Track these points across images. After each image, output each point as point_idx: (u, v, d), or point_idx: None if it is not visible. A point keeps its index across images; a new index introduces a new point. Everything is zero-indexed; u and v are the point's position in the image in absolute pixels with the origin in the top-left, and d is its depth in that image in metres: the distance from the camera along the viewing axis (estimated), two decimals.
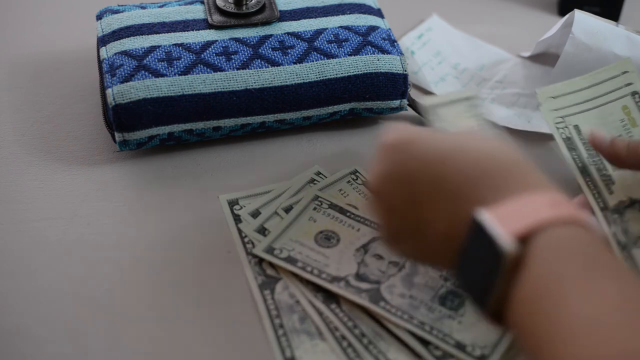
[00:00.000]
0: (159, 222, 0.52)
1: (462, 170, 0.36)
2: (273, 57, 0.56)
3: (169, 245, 0.50)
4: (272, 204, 0.52)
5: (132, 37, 0.56)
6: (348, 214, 0.51)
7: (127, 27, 0.57)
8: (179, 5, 0.60)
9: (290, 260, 0.48)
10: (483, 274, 0.34)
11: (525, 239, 0.33)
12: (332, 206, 0.52)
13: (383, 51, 0.58)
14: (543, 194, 0.34)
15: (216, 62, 0.55)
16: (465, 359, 0.43)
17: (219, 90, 0.54)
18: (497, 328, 0.35)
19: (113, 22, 0.57)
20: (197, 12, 0.59)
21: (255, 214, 0.51)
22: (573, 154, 0.53)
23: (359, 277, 0.47)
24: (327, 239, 0.49)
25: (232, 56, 0.55)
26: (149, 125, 0.53)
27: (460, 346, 0.43)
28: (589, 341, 0.29)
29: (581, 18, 0.62)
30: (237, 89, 0.54)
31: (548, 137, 0.62)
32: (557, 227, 0.33)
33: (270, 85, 0.55)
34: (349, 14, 0.60)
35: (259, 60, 0.55)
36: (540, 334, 0.31)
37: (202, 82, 0.54)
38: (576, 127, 0.54)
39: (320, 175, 0.55)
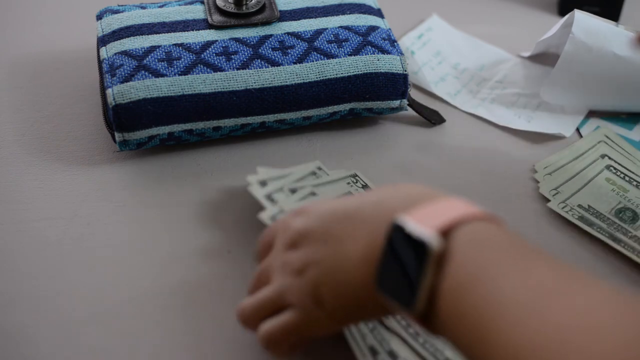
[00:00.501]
0: (159, 222, 0.52)
1: (369, 202, 0.39)
2: (273, 57, 0.56)
3: (169, 245, 0.50)
4: (280, 181, 0.51)
5: (132, 37, 0.56)
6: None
7: (127, 27, 0.57)
8: (179, 5, 0.60)
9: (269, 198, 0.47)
10: (408, 275, 0.34)
11: (445, 234, 0.34)
12: (366, 187, 0.51)
13: (383, 51, 0.58)
14: (456, 199, 0.36)
15: (216, 62, 0.55)
16: None
17: (219, 90, 0.54)
18: (429, 332, 0.35)
19: (113, 22, 0.57)
20: (197, 12, 0.59)
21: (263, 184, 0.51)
22: (595, 228, 0.53)
23: None
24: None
25: (232, 56, 0.55)
26: (149, 125, 0.53)
27: None
28: (527, 328, 0.29)
29: (581, 18, 0.62)
30: (237, 89, 0.54)
31: (548, 137, 0.62)
32: (475, 222, 0.34)
33: (270, 85, 0.55)
34: (349, 14, 0.60)
35: (259, 60, 0.55)
36: (471, 323, 0.31)
37: (202, 82, 0.54)
38: (580, 205, 0.55)
39: (322, 170, 0.54)
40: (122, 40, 0.56)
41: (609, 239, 0.52)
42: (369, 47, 0.58)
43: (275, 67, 0.55)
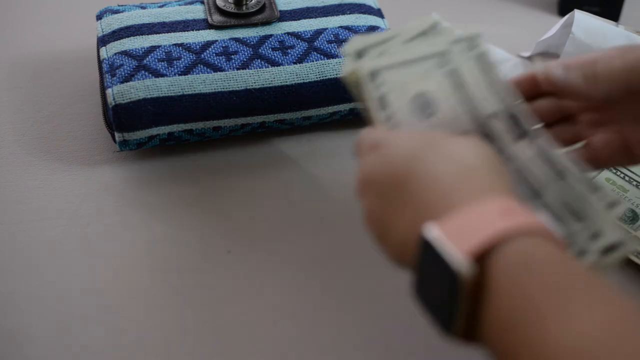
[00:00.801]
0: (159, 222, 0.52)
1: (418, 177, 0.35)
2: (273, 57, 0.56)
3: (169, 246, 0.50)
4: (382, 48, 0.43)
5: (132, 37, 0.56)
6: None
7: (127, 27, 0.57)
8: (179, 5, 0.60)
9: (381, 101, 0.41)
10: (442, 298, 0.31)
11: (482, 256, 0.30)
12: (479, 58, 0.43)
13: None
14: (492, 201, 0.32)
15: (216, 62, 0.55)
16: None
17: (219, 90, 0.54)
18: (470, 347, 0.32)
19: (113, 22, 0.57)
20: (197, 12, 0.59)
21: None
22: None
23: None
24: (425, 106, 0.41)
25: (232, 56, 0.55)
26: (149, 125, 0.53)
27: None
28: None
29: (581, 18, 0.62)
30: (237, 89, 0.54)
31: None
32: (516, 240, 0.30)
33: (271, 85, 0.55)
34: (349, 14, 0.60)
35: (259, 60, 0.55)
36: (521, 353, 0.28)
37: (202, 82, 0.54)
38: None
39: (435, 29, 0.46)
40: (122, 40, 0.56)
41: None
42: None
43: (276, 67, 0.55)
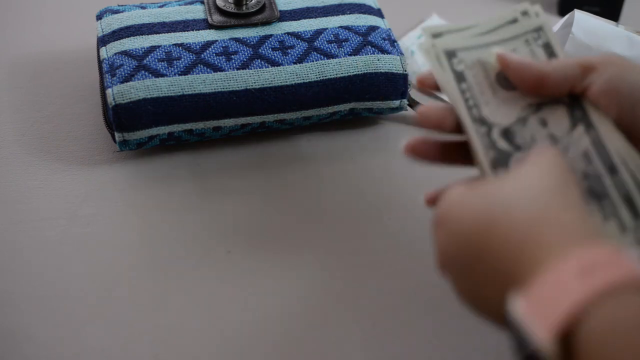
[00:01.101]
0: (159, 222, 0.52)
1: (491, 248, 0.33)
2: (273, 57, 0.56)
3: (169, 245, 0.50)
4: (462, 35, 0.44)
5: (132, 37, 0.56)
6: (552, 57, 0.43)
7: (127, 27, 0.56)
8: (179, 5, 0.60)
9: (459, 76, 0.42)
10: None
11: (569, 329, 0.28)
12: (546, 46, 0.43)
13: (383, 51, 0.58)
14: (571, 257, 0.29)
15: (216, 62, 0.55)
16: None
17: (219, 90, 0.54)
18: None
19: (113, 22, 0.57)
20: (197, 12, 0.59)
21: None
22: None
23: (505, 132, 0.40)
24: (507, 80, 0.42)
25: (232, 56, 0.55)
26: (149, 125, 0.53)
27: None
28: None
29: (581, 18, 0.62)
30: (237, 89, 0.54)
31: None
32: (602, 304, 0.27)
33: (270, 85, 0.55)
34: (349, 14, 0.60)
35: (258, 60, 0.55)
36: None
37: (202, 82, 0.54)
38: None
39: (526, 16, 0.44)
40: (122, 41, 0.55)
41: None
42: (369, 47, 0.58)
43: (275, 67, 0.55)
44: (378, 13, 0.62)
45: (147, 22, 0.57)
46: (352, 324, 0.46)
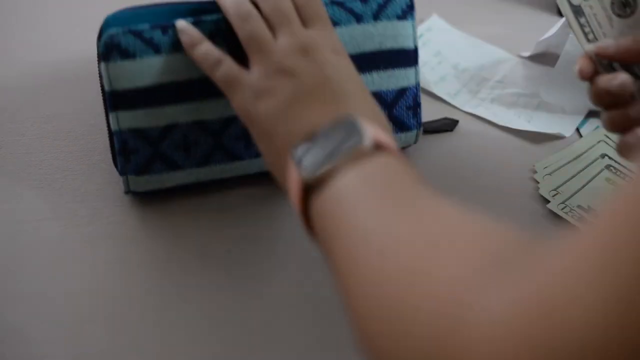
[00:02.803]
0: (158, 222, 0.52)
1: (340, 83, 0.43)
2: None
3: (169, 245, 0.50)
4: None
5: (147, 110, 0.49)
6: None
7: (140, 91, 0.49)
8: None
9: (577, 11, 0.47)
10: (327, 152, 0.37)
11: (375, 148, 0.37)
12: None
13: (403, 128, 0.56)
14: (373, 120, 0.40)
15: (235, 149, 0.52)
16: None
17: (235, 175, 0.54)
18: (303, 223, 0.38)
19: (123, 76, 0.49)
20: None
21: None
22: None
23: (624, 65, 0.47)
24: (623, 5, 0.47)
25: (252, 139, 0.51)
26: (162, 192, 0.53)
27: None
28: (367, 252, 0.32)
29: None
30: (252, 172, 0.54)
31: (548, 137, 0.62)
32: (392, 155, 0.37)
33: None
34: (383, 69, 0.54)
35: None
36: (331, 247, 0.34)
37: (220, 172, 0.53)
38: (579, 206, 0.55)
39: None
40: (135, 112, 0.49)
41: None
42: (391, 122, 0.55)
43: None
44: (414, 57, 0.56)
45: (163, 82, 0.49)
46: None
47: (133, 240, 0.51)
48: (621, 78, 0.46)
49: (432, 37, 0.72)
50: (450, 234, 0.31)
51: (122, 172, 0.51)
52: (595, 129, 0.62)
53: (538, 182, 0.57)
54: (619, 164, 0.58)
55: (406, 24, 0.54)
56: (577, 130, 0.63)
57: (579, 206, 0.54)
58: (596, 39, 0.46)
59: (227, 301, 0.47)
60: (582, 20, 0.46)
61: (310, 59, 0.43)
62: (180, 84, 0.50)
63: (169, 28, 0.49)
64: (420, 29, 0.73)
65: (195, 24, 0.49)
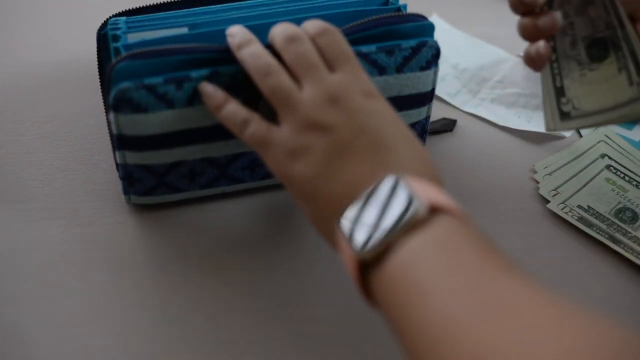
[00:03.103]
0: (158, 222, 0.52)
1: (378, 132, 0.40)
2: None
3: (169, 245, 0.50)
4: None
5: (154, 152, 0.48)
6: None
7: (150, 137, 0.47)
8: None
9: None
10: (378, 223, 0.35)
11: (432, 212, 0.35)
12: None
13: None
14: (421, 173, 0.38)
15: (240, 176, 0.52)
16: (551, 103, 0.52)
17: (235, 191, 0.54)
18: (364, 297, 0.37)
19: (133, 125, 0.47)
20: None
21: None
22: (594, 229, 0.53)
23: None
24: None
25: (257, 168, 0.52)
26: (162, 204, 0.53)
27: (559, 91, 0.51)
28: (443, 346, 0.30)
29: None
30: (254, 187, 0.54)
31: (548, 137, 0.62)
32: (452, 216, 0.35)
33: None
34: (397, 112, 0.48)
35: None
36: (401, 325, 0.33)
37: (221, 192, 0.53)
38: (579, 206, 0.55)
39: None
40: (143, 153, 0.48)
41: (608, 240, 0.52)
42: None
43: None
44: (430, 96, 0.54)
45: (174, 130, 0.48)
46: (353, 323, 0.46)
47: (133, 240, 0.51)
48: (551, 17, 0.49)
49: None
50: (544, 333, 0.28)
51: (125, 193, 0.51)
52: (595, 129, 0.62)
53: (538, 182, 0.57)
54: (619, 164, 0.58)
55: (428, 73, 0.52)
56: (577, 130, 0.63)
57: (579, 206, 0.54)
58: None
59: (226, 301, 0.47)
60: None
61: (341, 109, 0.40)
62: (192, 130, 0.48)
63: (183, 82, 0.46)
64: None
65: (212, 76, 0.46)
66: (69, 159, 0.56)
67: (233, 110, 0.44)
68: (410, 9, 0.53)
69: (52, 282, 0.47)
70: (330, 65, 0.42)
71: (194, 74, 0.46)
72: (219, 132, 0.47)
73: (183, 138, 0.48)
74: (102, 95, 0.51)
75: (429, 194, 0.35)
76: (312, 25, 0.44)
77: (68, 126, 0.59)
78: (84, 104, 0.61)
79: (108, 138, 0.57)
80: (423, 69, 0.51)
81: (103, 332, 0.45)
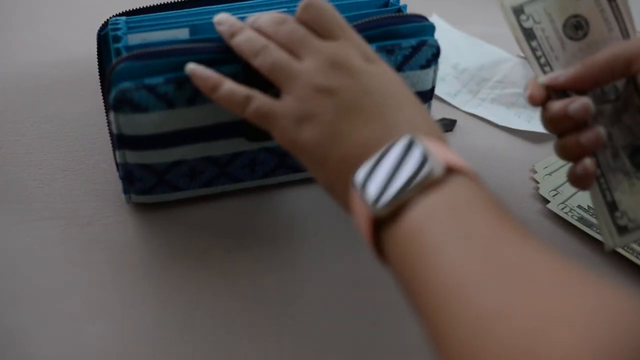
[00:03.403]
0: (158, 221, 0.52)
1: (383, 92, 0.40)
2: (300, 166, 0.54)
3: (169, 245, 0.50)
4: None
5: (155, 151, 0.48)
6: (613, 3, 0.46)
7: (150, 137, 0.47)
8: (213, 102, 0.46)
9: (528, 34, 0.45)
10: (390, 181, 0.35)
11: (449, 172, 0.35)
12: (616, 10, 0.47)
13: None
14: (430, 132, 0.38)
15: (240, 174, 0.52)
16: (606, 220, 0.46)
17: (235, 189, 0.54)
18: (375, 253, 0.36)
19: (133, 125, 0.47)
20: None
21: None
22: (594, 229, 0.53)
23: None
24: (575, 27, 0.46)
25: (257, 167, 0.52)
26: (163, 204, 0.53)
27: (611, 206, 0.45)
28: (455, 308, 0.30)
29: None
30: (254, 186, 0.54)
31: (548, 137, 0.62)
32: (464, 176, 0.35)
33: (289, 180, 0.54)
34: None
35: (283, 169, 0.53)
36: (412, 283, 0.33)
37: (221, 191, 0.53)
38: (579, 206, 0.55)
39: None
40: (143, 153, 0.48)
41: None
42: None
43: (300, 173, 0.54)
44: (429, 95, 0.54)
45: (174, 129, 0.48)
46: (353, 324, 0.46)
47: (133, 240, 0.51)
48: (582, 101, 0.44)
49: None
50: (560, 300, 0.28)
51: (125, 192, 0.51)
52: None
53: (538, 182, 0.57)
54: None
55: (428, 71, 0.52)
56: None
57: (579, 206, 0.54)
58: (548, 63, 0.45)
59: (226, 300, 0.47)
60: (534, 43, 0.45)
61: (343, 73, 0.40)
62: (192, 129, 0.48)
63: (184, 82, 0.45)
64: None
65: None
66: (69, 159, 0.56)
67: (231, 88, 0.43)
68: (410, 9, 0.53)
69: (52, 282, 0.47)
70: (326, 35, 0.43)
71: None
72: (220, 130, 0.47)
73: (183, 137, 0.48)
74: (103, 95, 0.51)
75: (444, 154, 0.35)
76: (298, 6, 0.44)
77: (68, 126, 0.59)
78: (83, 104, 0.61)
79: (108, 138, 0.57)
80: (423, 67, 0.51)
81: (103, 332, 0.45)
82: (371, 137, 0.38)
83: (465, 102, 0.66)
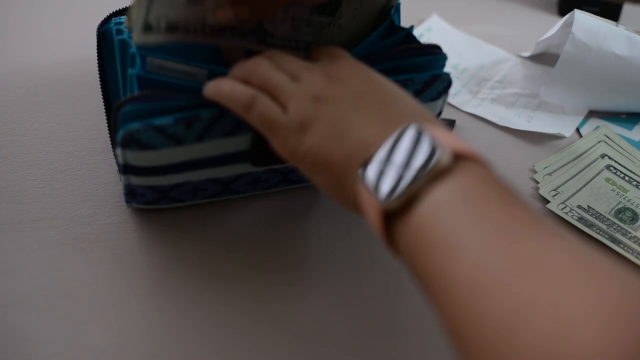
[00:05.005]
0: (158, 222, 0.52)
1: (378, 90, 0.41)
2: (303, 180, 0.54)
3: (169, 245, 0.50)
4: None
5: (160, 176, 0.48)
6: None
7: (156, 168, 0.47)
8: (223, 138, 0.47)
9: None
10: (401, 173, 0.34)
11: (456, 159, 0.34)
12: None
13: None
14: (431, 121, 0.38)
15: (243, 189, 0.53)
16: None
17: (237, 197, 0.54)
18: (387, 245, 0.36)
19: (140, 159, 0.46)
20: (241, 143, 0.48)
21: None
22: (594, 229, 0.53)
23: None
24: None
25: (260, 183, 0.53)
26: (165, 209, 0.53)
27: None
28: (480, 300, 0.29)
29: (581, 18, 0.62)
30: (256, 194, 0.54)
31: (548, 137, 0.62)
32: (474, 163, 0.34)
33: (290, 188, 0.54)
34: None
35: (286, 184, 0.54)
36: (429, 278, 0.32)
37: (224, 200, 0.53)
38: (579, 206, 0.55)
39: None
40: (149, 178, 0.48)
41: (608, 240, 0.52)
42: None
43: (302, 184, 0.54)
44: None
45: (180, 160, 0.47)
46: (352, 324, 0.46)
47: (133, 240, 0.51)
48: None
49: (432, 37, 0.72)
50: (573, 285, 0.28)
51: (128, 202, 0.51)
52: (595, 129, 0.63)
53: (538, 182, 0.57)
54: (619, 164, 0.58)
55: (438, 102, 0.51)
56: (577, 130, 0.63)
57: (579, 206, 0.54)
58: None
59: (226, 301, 0.47)
60: None
61: (337, 81, 0.41)
62: (199, 160, 0.48)
63: (193, 122, 0.45)
64: (420, 29, 0.73)
65: (222, 114, 0.45)
66: (69, 159, 0.56)
67: (232, 86, 0.43)
68: (411, 9, 0.53)
69: (52, 282, 0.47)
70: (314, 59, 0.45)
71: (204, 113, 0.45)
72: (226, 159, 0.47)
73: (190, 166, 0.48)
74: (109, 128, 0.49)
75: (451, 141, 0.34)
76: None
77: (68, 126, 0.59)
78: (83, 104, 0.61)
79: (108, 138, 0.57)
80: (434, 99, 0.51)
81: (103, 332, 0.45)
82: (374, 131, 0.38)
83: (465, 102, 0.66)
